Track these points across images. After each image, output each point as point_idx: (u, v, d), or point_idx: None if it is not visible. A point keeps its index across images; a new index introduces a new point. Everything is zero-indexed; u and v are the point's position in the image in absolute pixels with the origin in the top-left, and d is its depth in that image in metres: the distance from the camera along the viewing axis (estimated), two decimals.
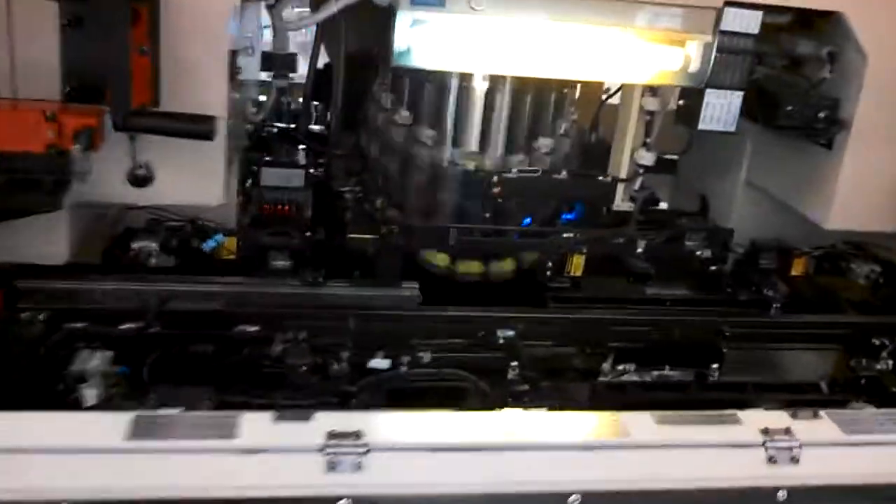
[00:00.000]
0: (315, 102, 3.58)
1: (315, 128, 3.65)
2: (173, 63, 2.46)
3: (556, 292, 3.08)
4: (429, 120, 3.07)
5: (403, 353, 2.67)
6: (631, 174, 3.26)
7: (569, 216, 3.21)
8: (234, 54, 2.62)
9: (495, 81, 2.92)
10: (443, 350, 2.72)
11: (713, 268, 3.17)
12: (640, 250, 3.06)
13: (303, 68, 3.16)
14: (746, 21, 2.82)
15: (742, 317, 3.03)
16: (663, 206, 3.89)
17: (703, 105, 2.91)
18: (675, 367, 2.93)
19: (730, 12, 2.79)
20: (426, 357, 2.65)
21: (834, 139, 3.02)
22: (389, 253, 2.94)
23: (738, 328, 2.92)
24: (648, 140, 3.19)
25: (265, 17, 2.89)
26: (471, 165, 3.04)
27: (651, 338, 2.94)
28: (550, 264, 3.03)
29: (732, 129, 2.97)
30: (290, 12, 2.56)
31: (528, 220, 3.26)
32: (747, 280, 3.25)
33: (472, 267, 3.18)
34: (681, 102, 3.03)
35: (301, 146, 3.34)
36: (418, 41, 2.56)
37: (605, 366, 2.85)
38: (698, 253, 3.11)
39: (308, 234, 2.94)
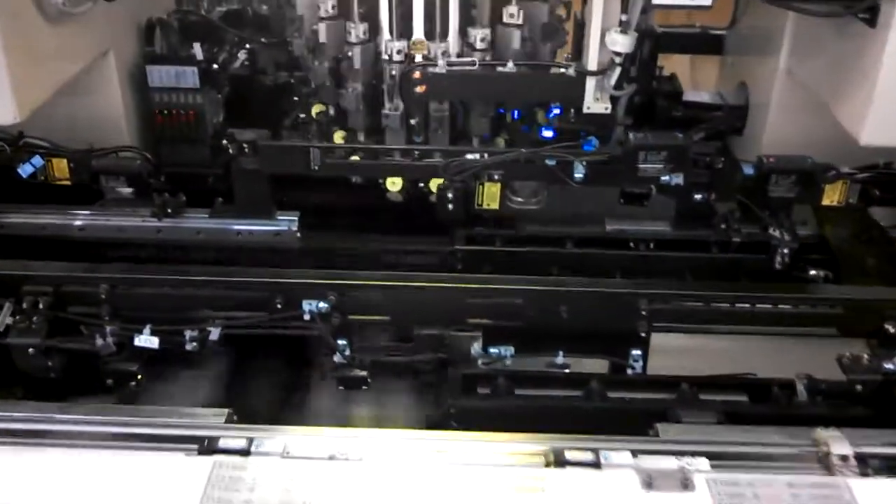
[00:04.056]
0: None
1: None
2: None
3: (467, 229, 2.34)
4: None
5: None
6: (605, 65, 2.40)
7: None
8: None
9: None
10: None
11: (697, 197, 2.29)
12: (578, 175, 2.23)
13: None
14: None
15: (669, 289, 2.07)
16: (701, 96, 2.95)
17: None
18: (573, 355, 2.10)
19: None
20: (214, 334, 2.03)
21: (878, 11, 2.00)
22: (244, 177, 2.31)
23: (660, 304, 2.00)
24: (624, 17, 2.31)
25: None
26: (419, 56, 2.43)
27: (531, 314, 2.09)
28: (451, 195, 2.25)
29: (707, 1, 2.04)
30: None
31: None
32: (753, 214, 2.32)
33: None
34: None
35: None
36: None
37: (475, 348, 2.08)
38: (664, 179, 2.22)
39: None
